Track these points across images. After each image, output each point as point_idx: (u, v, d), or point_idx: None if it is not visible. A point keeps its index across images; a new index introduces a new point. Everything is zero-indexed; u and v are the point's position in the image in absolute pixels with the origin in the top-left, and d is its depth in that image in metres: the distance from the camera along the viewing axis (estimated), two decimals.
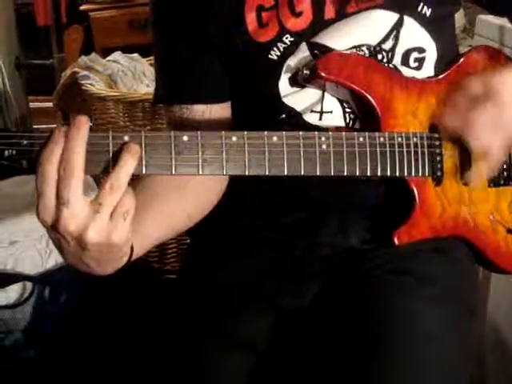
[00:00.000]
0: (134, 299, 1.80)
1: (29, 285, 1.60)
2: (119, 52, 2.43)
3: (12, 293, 1.59)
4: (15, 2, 3.16)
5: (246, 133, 0.83)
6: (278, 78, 0.99)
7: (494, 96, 0.89)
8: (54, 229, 0.74)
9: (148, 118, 2.05)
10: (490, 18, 1.79)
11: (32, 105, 3.19)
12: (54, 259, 1.67)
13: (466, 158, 1.00)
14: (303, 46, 0.98)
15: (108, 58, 2.40)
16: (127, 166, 0.74)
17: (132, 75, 2.34)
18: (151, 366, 0.96)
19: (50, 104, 2.57)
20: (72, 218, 0.72)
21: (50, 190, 0.72)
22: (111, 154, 0.76)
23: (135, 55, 2.42)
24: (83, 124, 0.73)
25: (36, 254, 1.67)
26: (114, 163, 0.75)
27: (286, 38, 0.97)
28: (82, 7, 3.12)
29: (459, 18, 2.27)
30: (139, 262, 1.96)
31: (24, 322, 1.58)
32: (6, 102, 2.72)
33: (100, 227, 0.74)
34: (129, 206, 0.75)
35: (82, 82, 2.14)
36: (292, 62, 0.98)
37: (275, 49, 0.98)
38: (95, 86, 2.13)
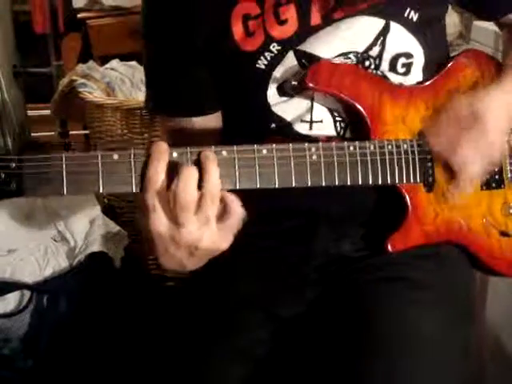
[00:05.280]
0: (133, 307, 1.80)
1: (27, 293, 1.59)
2: (117, 60, 2.44)
3: (10, 301, 1.59)
4: (13, 9, 3.16)
5: (235, 147, 0.84)
6: (266, 87, 0.99)
7: (479, 121, 0.94)
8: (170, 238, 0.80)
9: (146, 126, 2.05)
10: (486, 25, 1.79)
11: (30, 112, 3.19)
12: (51, 268, 1.67)
13: None
14: (290, 55, 0.98)
15: (106, 66, 2.40)
16: (215, 173, 0.80)
17: (130, 83, 2.35)
18: (151, 375, 0.96)
19: (48, 112, 2.57)
20: (189, 234, 0.80)
21: (161, 208, 0.79)
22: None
23: (133, 63, 2.42)
24: (192, 174, 0.79)
25: (34, 263, 1.67)
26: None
27: (273, 46, 0.97)
28: (80, 15, 3.11)
29: (455, 24, 2.27)
30: (138, 269, 1.96)
31: (22, 331, 1.58)
32: (4, 110, 2.73)
33: (212, 236, 0.82)
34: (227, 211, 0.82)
35: (80, 89, 2.14)
36: (279, 71, 0.98)
37: (262, 58, 0.97)
38: (93, 93, 2.13)
